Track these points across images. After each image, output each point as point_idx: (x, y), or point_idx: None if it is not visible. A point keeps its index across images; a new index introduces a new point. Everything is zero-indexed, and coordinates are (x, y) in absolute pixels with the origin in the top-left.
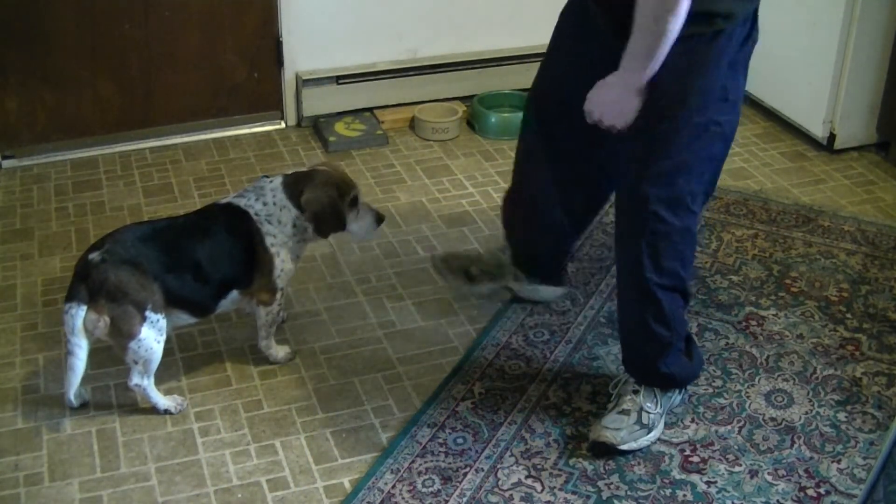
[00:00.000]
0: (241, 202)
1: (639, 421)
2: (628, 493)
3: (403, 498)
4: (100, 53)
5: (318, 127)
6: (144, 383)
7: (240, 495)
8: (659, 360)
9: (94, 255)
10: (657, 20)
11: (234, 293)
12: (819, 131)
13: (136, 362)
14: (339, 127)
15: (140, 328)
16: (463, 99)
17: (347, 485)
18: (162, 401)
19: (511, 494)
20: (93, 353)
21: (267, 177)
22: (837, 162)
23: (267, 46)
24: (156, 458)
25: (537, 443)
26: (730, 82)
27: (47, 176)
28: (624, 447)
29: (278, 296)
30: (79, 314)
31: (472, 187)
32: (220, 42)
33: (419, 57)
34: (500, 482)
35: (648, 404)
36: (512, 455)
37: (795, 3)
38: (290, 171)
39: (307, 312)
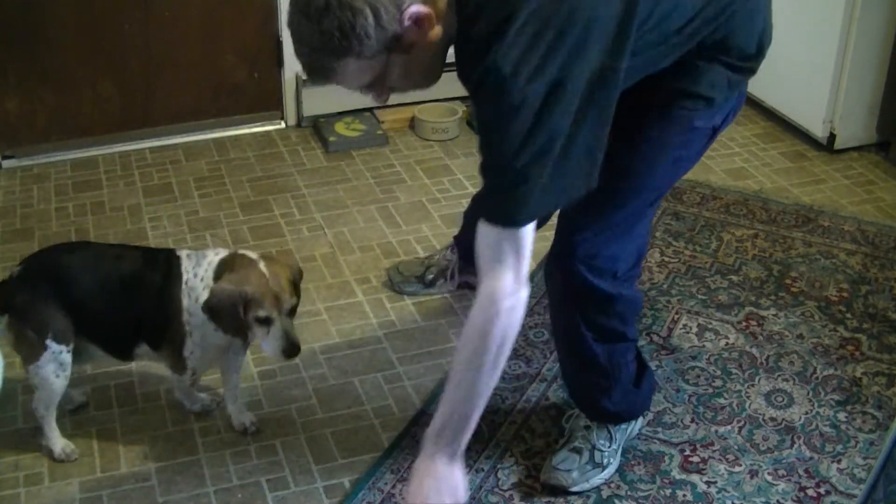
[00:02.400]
0: (184, 265)
1: (591, 460)
2: (628, 493)
3: (403, 498)
4: (100, 53)
5: (318, 127)
6: (41, 412)
7: (240, 495)
8: (603, 400)
9: (14, 269)
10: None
11: (146, 347)
12: (819, 131)
13: (35, 387)
14: (339, 127)
15: (39, 356)
16: (463, 99)
17: (347, 485)
18: (54, 439)
19: (511, 494)
20: None
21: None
22: (837, 162)
23: (267, 46)
24: (156, 458)
25: (537, 443)
26: (699, 150)
27: (47, 176)
28: (576, 489)
29: (187, 374)
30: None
31: (472, 187)
32: (220, 42)
33: None
34: (500, 482)
35: (601, 441)
36: (512, 455)
37: (795, 3)
38: (239, 252)
39: (307, 312)
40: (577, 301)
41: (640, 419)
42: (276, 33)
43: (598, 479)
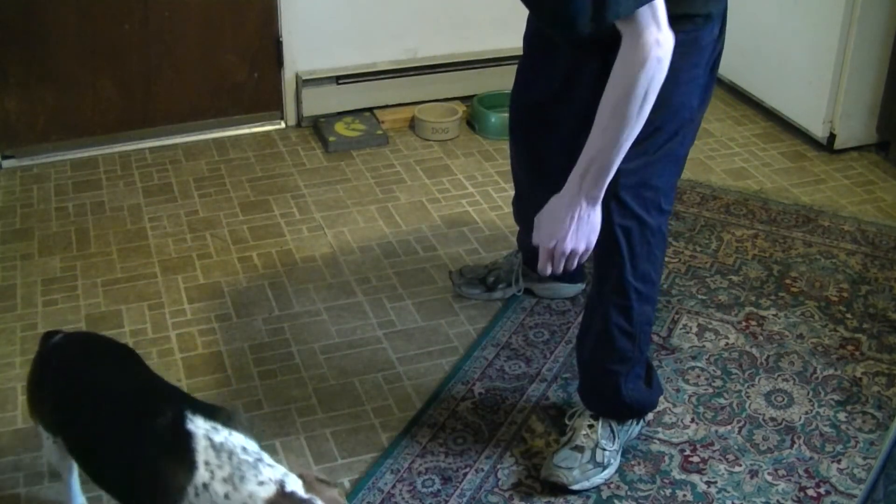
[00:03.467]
0: (201, 456)
1: (592, 459)
2: (628, 492)
3: (403, 498)
4: (100, 53)
5: (318, 127)
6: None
7: None
8: (620, 380)
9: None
10: (637, 106)
11: None
12: (819, 131)
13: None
14: (339, 127)
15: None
16: (463, 99)
17: (347, 485)
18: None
19: (511, 494)
20: None
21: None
22: (837, 162)
23: (267, 46)
24: None
25: (537, 443)
26: (707, 79)
27: (47, 176)
28: (576, 487)
29: None
30: None
31: (472, 187)
32: (220, 42)
33: (419, 57)
34: (500, 482)
35: (604, 441)
36: (512, 455)
37: (795, 3)
38: (286, 488)
39: (307, 312)
40: (626, 242)
41: (642, 422)
42: (276, 33)
43: (599, 478)
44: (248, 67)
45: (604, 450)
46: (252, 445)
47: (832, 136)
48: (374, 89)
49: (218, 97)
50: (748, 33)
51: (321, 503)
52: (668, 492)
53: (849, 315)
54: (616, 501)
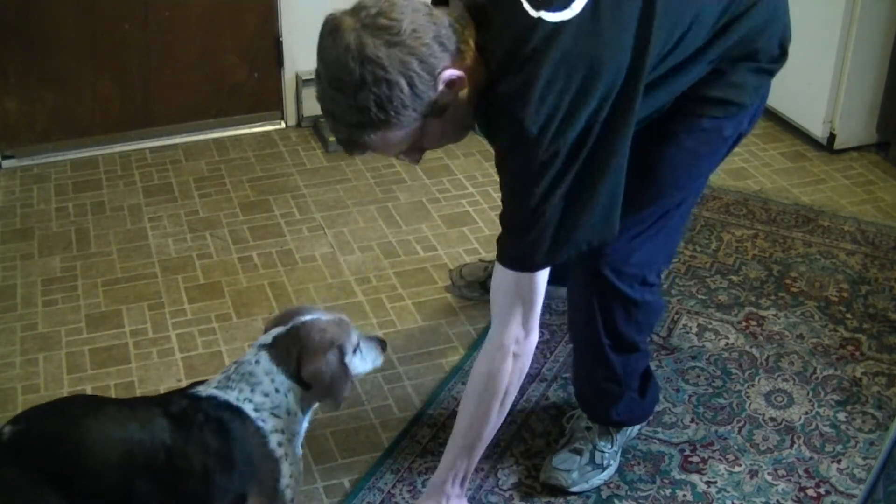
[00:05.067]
0: (232, 396)
1: (591, 461)
2: (628, 492)
3: (403, 498)
4: (100, 53)
5: (318, 127)
6: None
7: None
8: (610, 410)
9: (7, 429)
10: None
11: None
12: (819, 131)
13: None
14: None
15: None
16: None
17: (347, 485)
18: None
19: (511, 494)
20: (93, 353)
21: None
22: (837, 162)
23: (267, 46)
24: None
25: (537, 443)
26: (724, 155)
27: (47, 176)
28: (575, 489)
29: None
30: None
31: (472, 187)
32: (220, 42)
33: None
34: (500, 482)
35: (602, 443)
36: (512, 455)
37: (795, 3)
38: (268, 331)
39: None
40: (600, 306)
41: (642, 423)
42: (276, 33)
43: (598, 479)
44: (248, 67)
45: (602, 451)
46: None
47: (832, 136)
48: None
49: (218, 97)
50: None
51: (309, 320)
52: (667, 492)
53: (849, 315)
54: (616, 501)
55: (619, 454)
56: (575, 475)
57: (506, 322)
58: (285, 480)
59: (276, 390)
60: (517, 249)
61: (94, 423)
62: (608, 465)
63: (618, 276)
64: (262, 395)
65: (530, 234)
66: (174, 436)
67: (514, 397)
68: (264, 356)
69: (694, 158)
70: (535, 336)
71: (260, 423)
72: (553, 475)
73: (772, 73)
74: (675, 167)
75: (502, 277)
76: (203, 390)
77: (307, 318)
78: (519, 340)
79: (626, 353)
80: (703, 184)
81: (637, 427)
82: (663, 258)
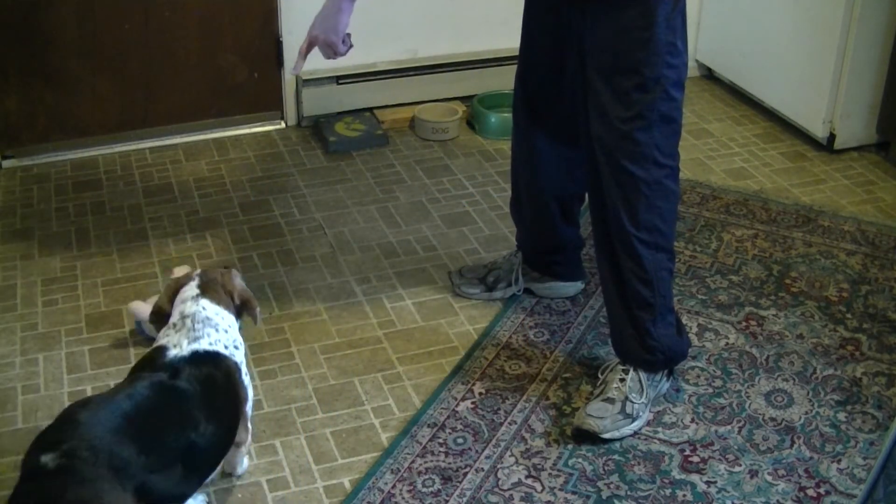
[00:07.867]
0: (205, 344)
1: (623, 410)
2: (628, 492)
3: (403, 498)
4: (100, 53)
5: (318, 127)
6: None
7: (240, 495)
8: (647, 325)
9: (47, 458)
10: None
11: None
12: (819, 131)
13: None
14: (339, 127)
15: None
16: (463, 99)
17: (347, 485)
18: None
19: (511, 494)
20: (93, 352)
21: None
22: (837, 162)
23: (267, 46)
24: None
25: (537, 443)
26: (672, 35)
27: (47, 176)
28: (606, 436)
29: (251, 426)
30: None
31: (472, 187)
32: (220, 42)
33: (419, 57)
34: (500, 482)
35: (634, 394)
36: (512, 455)
37: (795, 3)
38: (182, 279)
39: (307, 312)
40: (621, 196)
41: (672, 380)
42: (276, 33)
43: (628, 429)
44: (248, 67)
45: (633, 402)
46: None
47: (832, 136)
48: (374, 89)
49: (218, 97)
50: (748, 34)
51: (192, 271)
52: (667, 492)
53: (849, 315)
54: (616, 501)
55: (648, 406)
56: (607, 422)
57: None
58: (249, 403)
59: (230, 325)
60: None
61: (118, 412)
62: (638, 416)
63: (632, 161)
64: (224, 332)
65: None
66: (199, 394)
67: None
68: (205, 301)
69: (633, 28)
70: None
71: (234, 360)
72: (586, 422)
73: None
74: (623, 36)
75: None
76: (184, 349)
77: (195, 272)
78: None
79: (653, 250)
80: (666, 57)
81: (667, 384)
82: (667, 138)
